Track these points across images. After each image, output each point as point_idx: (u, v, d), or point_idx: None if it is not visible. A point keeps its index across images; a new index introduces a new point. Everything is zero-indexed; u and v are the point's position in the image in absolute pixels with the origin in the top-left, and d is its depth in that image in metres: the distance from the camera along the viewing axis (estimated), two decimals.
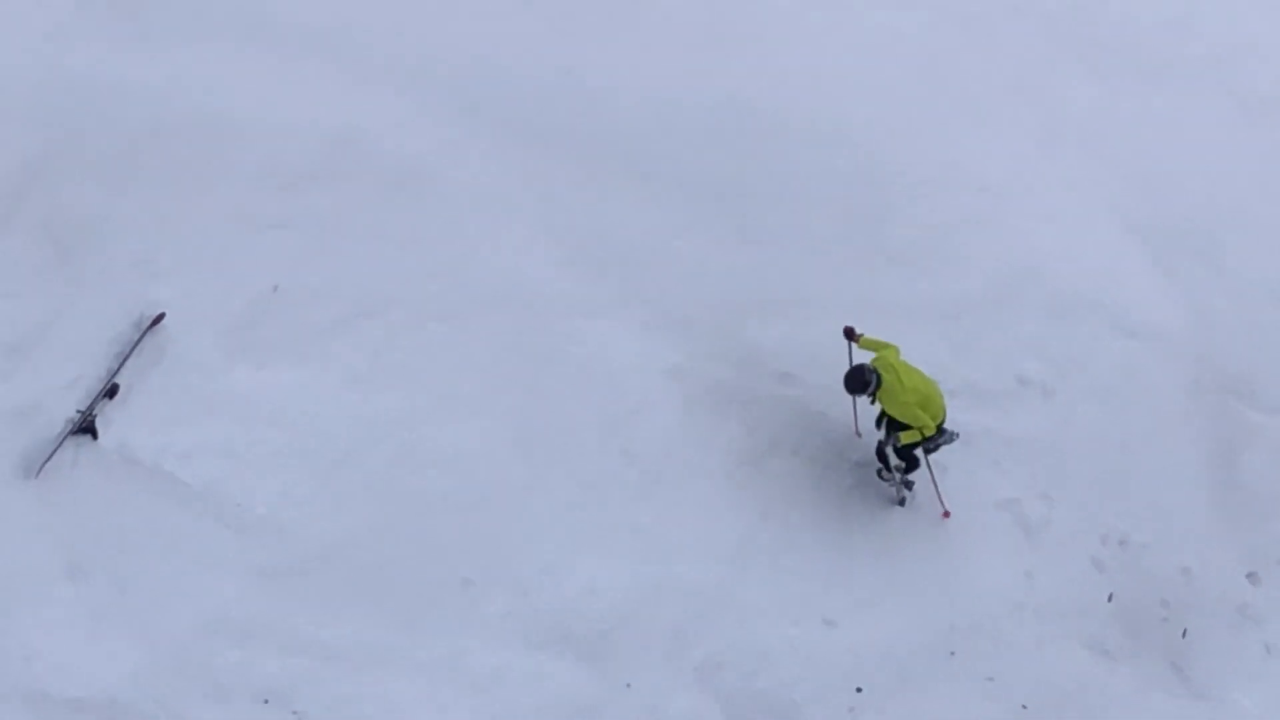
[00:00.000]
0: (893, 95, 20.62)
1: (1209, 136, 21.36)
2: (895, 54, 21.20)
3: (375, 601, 15.89)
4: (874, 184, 19.74)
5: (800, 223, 19.21)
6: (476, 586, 16.10)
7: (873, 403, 16.72)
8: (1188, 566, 17.64)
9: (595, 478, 16.98)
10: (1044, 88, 21.49)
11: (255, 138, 18.43)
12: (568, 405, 17.34)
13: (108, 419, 16.16)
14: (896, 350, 16.75)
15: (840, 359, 17.06)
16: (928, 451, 17.01)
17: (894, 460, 17.18)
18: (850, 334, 17.01)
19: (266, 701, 15.19)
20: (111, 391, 16.28)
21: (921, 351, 17.25)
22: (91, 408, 16.09)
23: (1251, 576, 17.77)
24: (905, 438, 16.66)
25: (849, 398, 17.20)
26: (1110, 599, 17.32)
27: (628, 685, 15.92)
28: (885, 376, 16.48)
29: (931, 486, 17.31)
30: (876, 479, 17.42)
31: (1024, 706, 16.47)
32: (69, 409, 16.10)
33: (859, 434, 17.52)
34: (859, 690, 16.31)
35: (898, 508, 17.38)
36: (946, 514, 17.36)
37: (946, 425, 16.84)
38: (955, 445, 17.11)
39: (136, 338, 16.62)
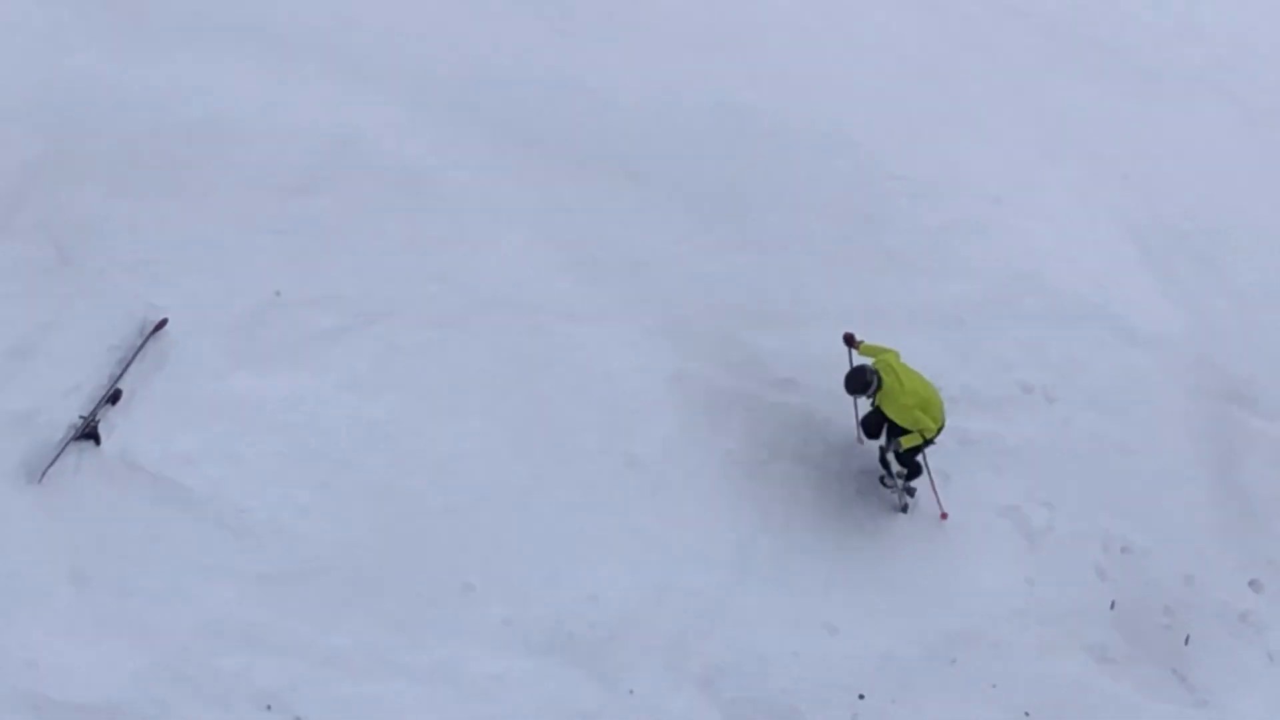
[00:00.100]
0: (893, 99, 20.66)
1: (1209, 141, 21.44)
2: (895, 58, 21.25)
3: (376, 606, 15.86)
4: (874, 188, 19.78)
5: (800, 227, 19.23)
6: (477, 592, 16.08)
7: (873, 405, 16.72)
8: (1190, 573, 17.65)
9: (596, 483, 16.96)
10: (1044, 92, 21.55)
11: (256, 141, 18.41)
12: (568, 410, 17.32)
13: (110, 424, 16.12)
14: (896, 354, 16.77)
15: (841, 364, 17.05)
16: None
17: (895, 466, 17.18)
18: (850, 340, 17.02)
19: (269, 707, 15.15)
20: (114, 397, 16.25)
21: (922, 357, 17.26)
22: (94, 413, 16.07)
23: (1254, 583, 17.79)
24: (906, 442, 16.68)
25: (850, 403, 17.23)
26: (1112, 606, 17.32)
27: (629, 691, 15.91)
28: (886, 379, 16.50)
29: (930, 489, 17.31)
30: (879, 485, 17.43)
31: (1026, 713, 16.46)
32: (71, 414, 16.06)
33: (861, 440, 17.51)
34: (861, 697, 16.29)
35: (900, 514, 17.38)
36: (944, 515, 17.36)
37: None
38: (956, 451, 17.13)
39: (139, 343, 16.60)
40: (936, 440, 16.81)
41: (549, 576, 16.33)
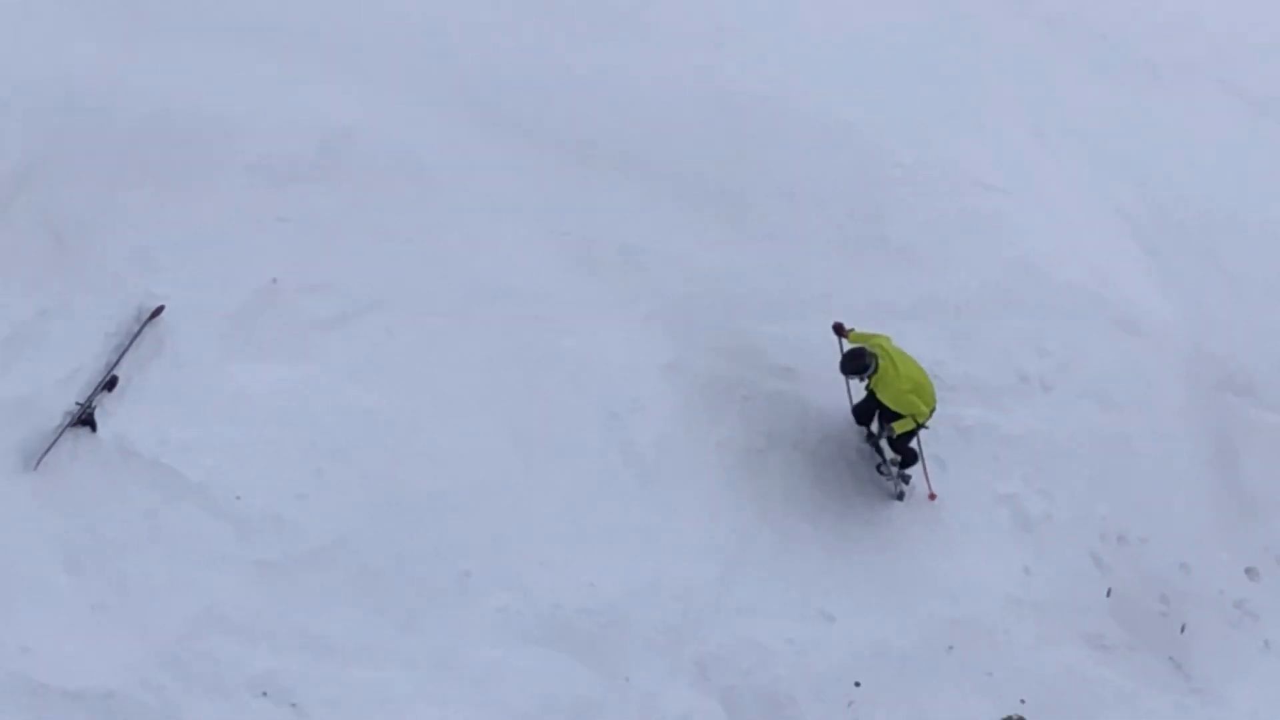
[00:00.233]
0: (891, 92, 20.62)
1: (1208, 134, 21.44)
2: (894, 51, 21.20)
3: (373, 595, 15.88)
4: (872, 180, 19.74)
5: (798, 219, 19.21)
6: (474, 580, 16.08)
7: (866, 388, 16.70)
8: (1186, 562, 17.67)
9: (593, 473, 16.96)
10: (1043, 85, 21.52)
11: (253, 133, 18.36)
12: (566, 401, 17.32)
13: (106, 411, 16.12)
14: (888, 338, 16.77)
15: (837, 354, 17.06)
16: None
17: (889, 454, 17.19)
18: (840, 330, 17.05)
19: (264, 694, 15.17)
20: (110, 384, 16.25)
21: (921, 347, 17.32)
22: (90, 400, 16.07)
23: (1250, 572, 17.80)
24: (899, 427, 16.70)
25: (847, 394, 17.23)
26: (1109, 594, 17.35)
27: (626, 680, 15.92)
28: (881, 362, 16.50)
29: (921, 471, 17.35)
30: (875, 474, 17.43)
31: (1022, 701, 16.46)
32: (68, 401, 16.05)
33: (857, 426, 17.51)
34: (857, 685, 16.32)
35: (896, 502, 17.39)
36: (932, 496, 17.35)
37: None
38: (954, 440, 17.13)
39: (135, 330, 16.60)
40: (928, 425, 16.80)
41: (546, 565, 16.33)
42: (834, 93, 20.30)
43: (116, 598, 15.34)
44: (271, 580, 15.74)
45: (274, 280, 17.24)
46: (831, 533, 17.09)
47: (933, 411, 16.76)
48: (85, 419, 15.97)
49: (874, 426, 17.06)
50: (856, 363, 16.52)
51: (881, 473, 17.38)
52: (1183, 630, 17.30)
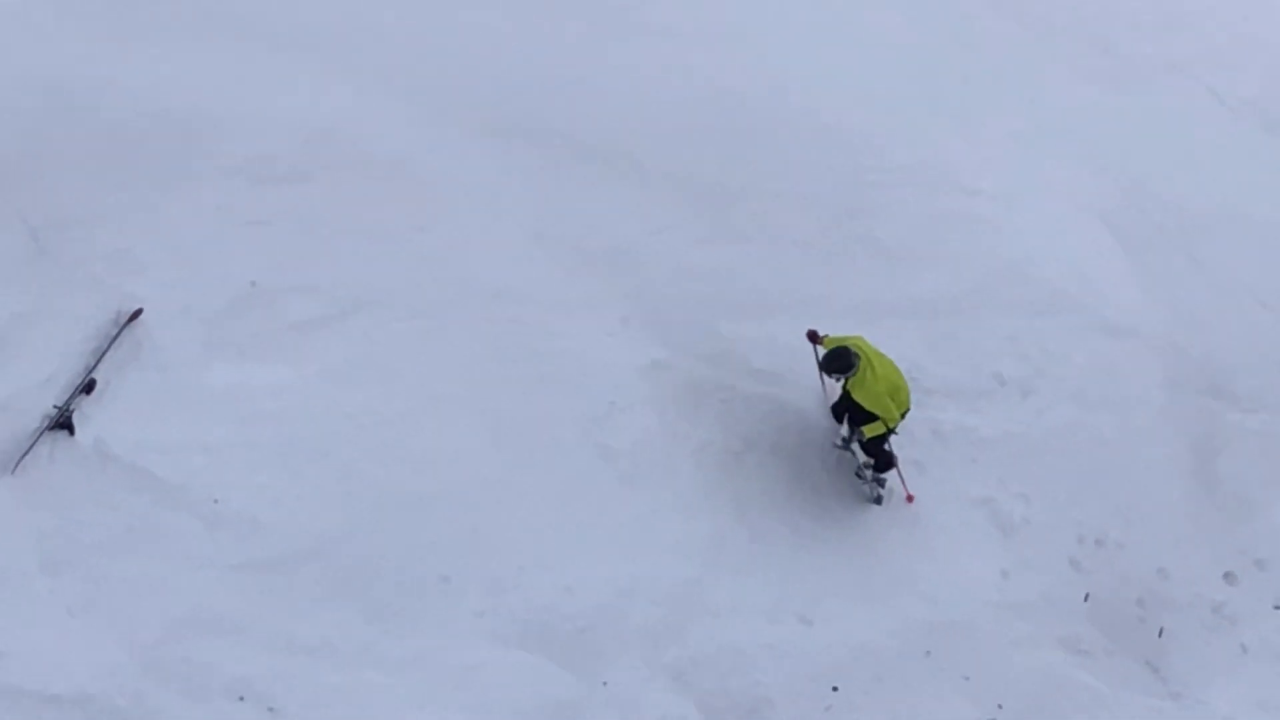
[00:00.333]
0: (877, 93, 20.64)
1: (1191, 137, 21.46)
2: (880, 52, 21.23)
3: (352, 598, 15.87)
4: (855, 180, 19.75)
5: (780, 220, 19.21)
6: (453, 583, 16.08)
7: (843, 390, 16.69)
8: (1164, 566, 17.67)
9: (572, 475, 16.95)
10: (1027, 87, 21.55)
11: (235, 133, 18.37)
12: (546, 402, 17.31)
13: (85, 414, 16.11)
14: (863, 339, 16.74)
15: (815, 359, 17.10)
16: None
17: (862, 457, 17.20)
18: (814, 337, 17.02)
19: (241, 698, 15.15)
20: (89, 387, 16.24)
21: (900, 349, 17.30)
22: (68, 403, 16.05)
23: (1228, 576, 17.81)
24: (869, 431, 16.67)
25: (826, 397, 17.24)
26: (1087, 598, 17.35)
27: (604, 683, 15.92)
28: (859, 363, 16.48)
29: (897, 473, 17.35)
30: (853, 477, 17.44)
31: (1000, 705, 16.47)
32: (46, 404, 16.04)
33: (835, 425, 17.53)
34: (835, 689, 16.31)
35: (874, 506, 17.39)
36: (910, 498, 17.35)
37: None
38: (932, 443, 17.13)
39: (114, 333, 16.58)
40: (898, 430, 16.80)
41: (525, 568, 16.32)
42: (822, 93, 20.33)
43: (94, 601, 15.33)
44: (250, 583, 15.72)
45: (253, 283, 17.21)
46: (809, 536, 17.09)
47: (905, 415, 16.75)
48: (64, 422, 15.96)
49: (844, 430, 17.06)
50: (841, 361, 16.47)
51: (859, 476, 17.38)
52: (1160, 634, 17.31)
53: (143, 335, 16.68)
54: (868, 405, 16.52)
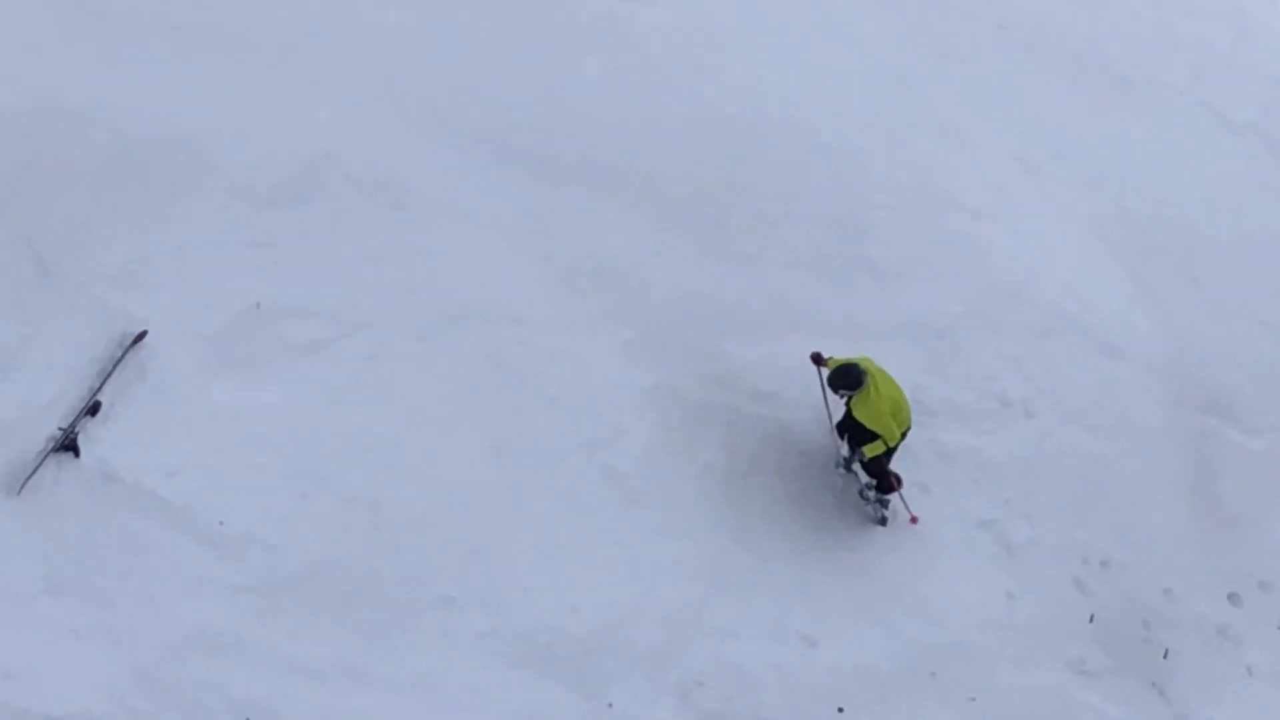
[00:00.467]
0: (874, 113, 20.65)
1: (1188, 156, 21.45)
2: (876, 71, 21.23)
3: (355, 618, 15.84)
4: (855, 202, 19.75)
5: (780, 238, 19.21)
6: (456, 604, 16.05)
7: (846, 406, 16.68)
8: (1169, 587, 17.67)
9: (574, 495, 16.93)
10: (1023, 103, 21.55)
11: (235, 154, 18.34)
12: (548, 424, 17.29)
13: (89, 436, 16.09)
14: (868, 359, 16.73)
15: (819, 379, 17.08)
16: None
17: (864, 478, 17.19)
18: (818, 359, 16.98)
19: (246, 719, 15.12)
20: (93, 409, 16.22)
21: (902, 370, 17.27)
22: (73, 425, 16.03)
23: (1233, 597, 17.81)
24: (869, 451, 16.66)
25: (831, 418, 17.23)
26: (1092, 619, 17.33)
27: (609, 704, 15.90)
28: (865, 381, 16.48)
29: (898, 495, 17.33)
30: (857, 498, 17.44)
31: None
32: (51, 426, 16.03)
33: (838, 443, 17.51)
34: (840, 710, 16.30)
35: (879, 527, 17.38)
36: (914, 519, 17.33)
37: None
38: (935, 464, 17.13)
39: (119, 355, 16.57)
40: (898, 448, 16.80)
41: (528, 589, 16.30)
42: (816, 114, 20.33)
43: (98, 622, 15.29)
44: (253, 603, 15.69)
45: (258, 305, 17.21)
46: (813, 556, 17.07)
47: (905, 434, 16.76)
48: (68, 444, 15.94)
49: (845, 450, 17.07)
50: (850, 378, 16.42)
51: (864, 497, 17.37)
52: (1165, 656, 17.29)
53: (147, 357, 16.66)
54: (869, 424, 16.51)
